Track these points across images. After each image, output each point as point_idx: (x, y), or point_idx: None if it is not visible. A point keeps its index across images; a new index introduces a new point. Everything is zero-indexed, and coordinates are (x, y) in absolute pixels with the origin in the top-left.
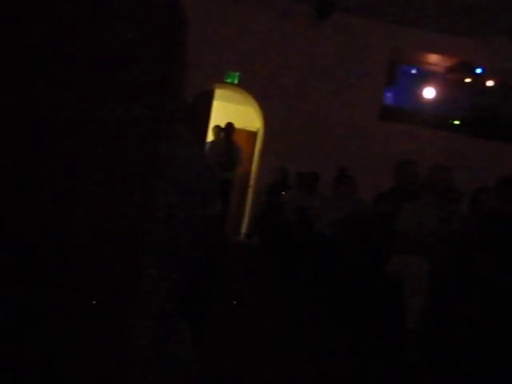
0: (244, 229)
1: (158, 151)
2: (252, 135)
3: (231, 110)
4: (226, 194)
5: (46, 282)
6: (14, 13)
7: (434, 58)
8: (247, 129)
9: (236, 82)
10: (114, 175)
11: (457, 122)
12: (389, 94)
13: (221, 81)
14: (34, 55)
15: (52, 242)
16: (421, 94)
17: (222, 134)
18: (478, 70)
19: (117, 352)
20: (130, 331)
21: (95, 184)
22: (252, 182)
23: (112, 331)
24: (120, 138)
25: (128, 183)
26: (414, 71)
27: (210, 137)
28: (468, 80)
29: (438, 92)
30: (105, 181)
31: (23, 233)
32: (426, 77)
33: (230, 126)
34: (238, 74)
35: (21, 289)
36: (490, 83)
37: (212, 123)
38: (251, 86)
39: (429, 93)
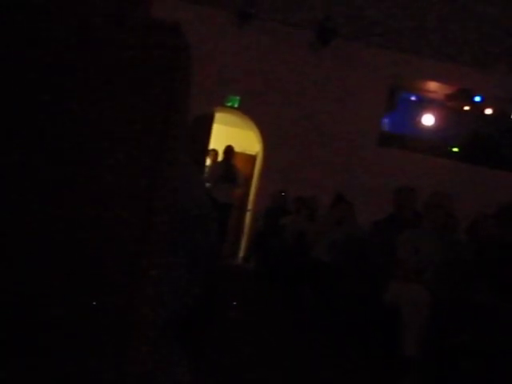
0: (241, 252)
1: (160, 176)
2: (251, 159)
3: (231, 134)
4: (224, 218)
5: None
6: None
7: (433, 85)
8: (246, 152)
9: (236, 105)
10: (113, 198)
11: (455, 150)
12: (388, 121)
13: (221, 104)
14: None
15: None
16: (420, 121)
17: (221, 157)
18: (477, 99)
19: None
20: (127, 359)
21: (95, 209)
22: (250, 205)
23: (109, 357)
24: (122, 161)
25: (128, 211)
26: (413, 98)
27: (208, 160)
28: (467, 108)
29: (436, 119)
30: (104, 205)
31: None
32: (425, 104)
33: (229, 148)
34: (238, 97)
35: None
36: (488, 111)
37: (211, 146)
38: (251, 110)
39: (428, 120)
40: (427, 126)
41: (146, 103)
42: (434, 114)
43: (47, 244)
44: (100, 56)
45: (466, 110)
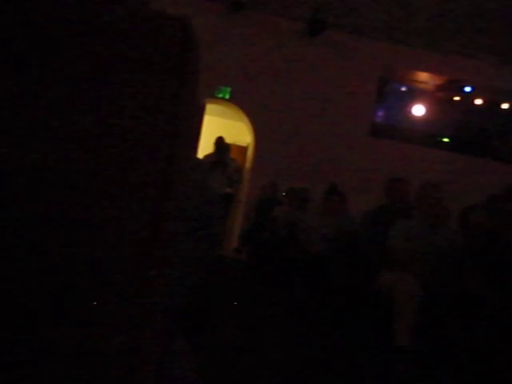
0: (233, 244)
1: (168, 168)
2: (242, 150)
3: (222, 125)
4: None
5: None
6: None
7: (423, 75)
8: (238, 144)
9: (227, 97)
10: (124, 189)
11: (446, 140)
12: (378, 111)
13: (212, 96)
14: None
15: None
16: (410, 112)
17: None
18: (467, 89)
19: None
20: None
21: (105, 199)
22: (242, 196)
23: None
24: (133, 152)
25: (134, 209)
26: (403, 89)
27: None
28: (457, 98)
29: (427, 110)
30: (114, 197)
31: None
32: (415, 94)
33: (220, 140)
34: (229, 89)
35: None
36: (478, 102)
37: (202, 138)
38: (242, 102)
39: (418, 110)
40: (418, 117)
41: (156, 99)
42: (424, 105)
43: (48, 244)
44: (110, 49)
45: (456, 101)
